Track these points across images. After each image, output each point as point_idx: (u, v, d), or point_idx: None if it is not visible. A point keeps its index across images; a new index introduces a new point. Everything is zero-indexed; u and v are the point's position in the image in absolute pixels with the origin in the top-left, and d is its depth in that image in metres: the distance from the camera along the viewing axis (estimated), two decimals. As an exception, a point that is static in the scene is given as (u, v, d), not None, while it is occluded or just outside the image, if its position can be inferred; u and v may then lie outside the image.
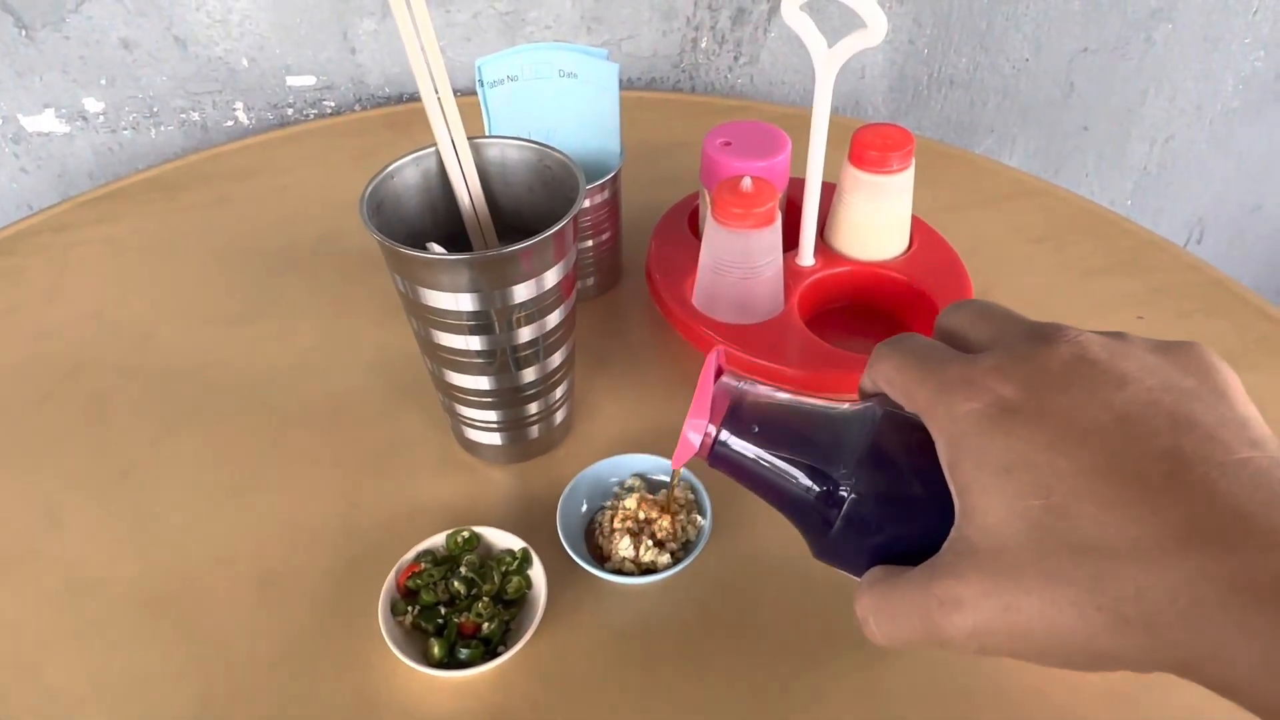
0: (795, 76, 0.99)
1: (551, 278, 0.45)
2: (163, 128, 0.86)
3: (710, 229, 0.55)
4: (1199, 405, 0.22)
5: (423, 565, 0.46)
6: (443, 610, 0.44)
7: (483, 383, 0.48)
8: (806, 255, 0.62)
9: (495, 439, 0.52)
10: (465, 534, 0.47)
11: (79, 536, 0.51)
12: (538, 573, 0.45)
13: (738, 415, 0.29)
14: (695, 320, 0.58)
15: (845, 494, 0.27)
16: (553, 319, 0.47)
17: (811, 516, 0.28)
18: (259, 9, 0.82)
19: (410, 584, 0.45)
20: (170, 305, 0.66)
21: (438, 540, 0.47)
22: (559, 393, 0.51)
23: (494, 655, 0.43)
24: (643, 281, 0.65)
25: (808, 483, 0.28)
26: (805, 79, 0.99)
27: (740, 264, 0.55)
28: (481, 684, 0.43)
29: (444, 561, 0.46)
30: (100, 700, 0.44)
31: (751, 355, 0.56)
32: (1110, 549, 0.21)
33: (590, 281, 0.65)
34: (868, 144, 0.58)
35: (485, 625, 0.44)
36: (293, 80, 0.87)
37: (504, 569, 0.46)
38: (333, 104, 0.90)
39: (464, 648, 0.43)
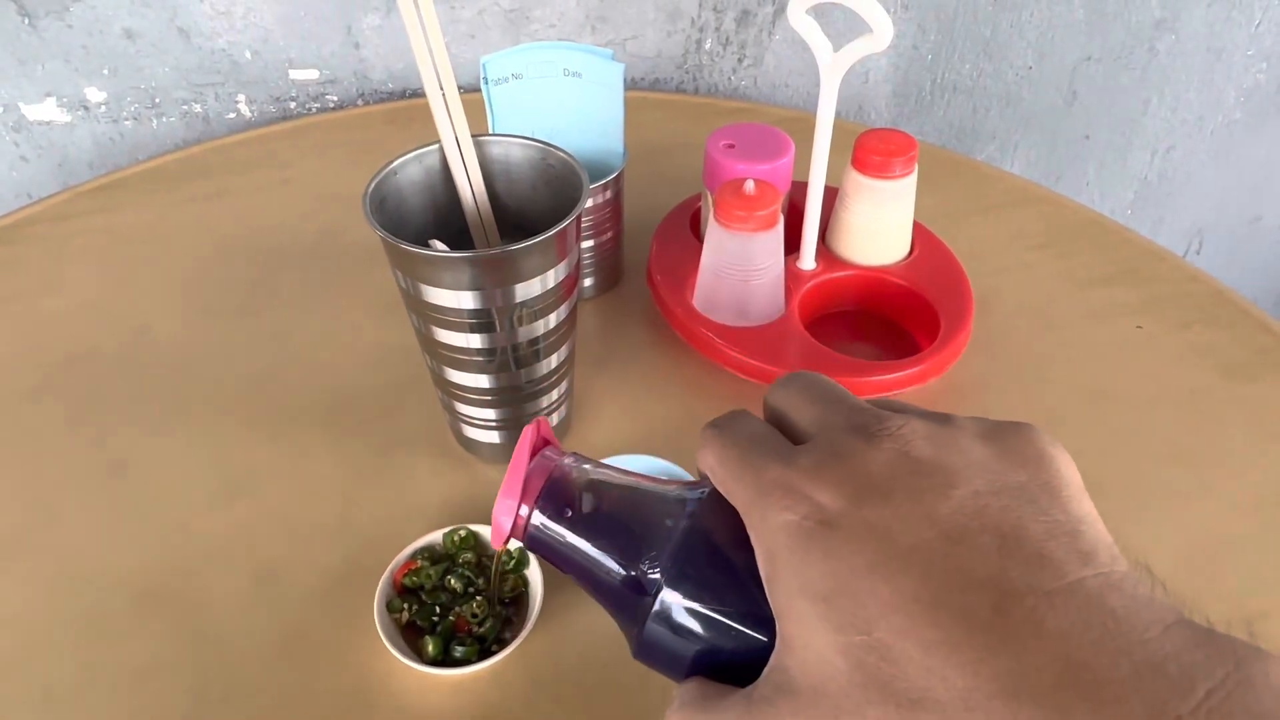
0: (799, 80, 0.99)
1: (553, 277, 0.44)
2: (164, 119, 0.86)
3: (712, 231, 0.55)
4: (1029, 510, 0.20)
5: (419, 563, 0.46)
6: (438, 608, 0.44)
7: (482, 381, 0.48)
8: (808, 259, 0.62)
9: (494, 437, 0.51)
10: (463, 532, 0.47)
11: (74, 529, 0.51)
12: (534, 572, 0.45)
13: (552, 496, 0.26)
14: (695, 322, 0.58)
15: (654, 587, 0.24)
16: (553, 318, 0.47)
17: (625, 613, 0.25)
18: (263, 2, 0.82)
19: (407, 581, 0.45)
20: (169, 297, 0.66)
21: (435, 538, 0.47)
22: (558, 392, 0.51)
23: (489, 654, 0.43)
24: (643, 282, 0.65)
25: (619, 574, 0.25)
26: (808, 82, 0.99)
27: (741, 266, 0.55)
28: (476, 682, 0.43)
29: (441, 559, 0.46)
30: (93, 694, 0.43)
31: (751, 358, 0.56)
32: (937, 702, 0.18)
33: (591, 281, 0.65)
34: (871, 149, 0.58)
35: (481, 624, 0.44)
36: (295, 74, 0.87)
37: (500, 568, 0.46)
38: (335, 98, 0.89)
39: (459, 646, 0.43)
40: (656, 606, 0.24)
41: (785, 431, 0.25)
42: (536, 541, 0.26)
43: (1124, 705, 0.17)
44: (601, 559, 0.25)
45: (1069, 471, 0.22)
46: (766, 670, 0.22)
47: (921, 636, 0.19)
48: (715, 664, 0.24)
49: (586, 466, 0.27)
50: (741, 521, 0.23)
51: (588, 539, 0.26)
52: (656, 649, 0.25)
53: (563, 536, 0.26)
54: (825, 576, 0.20)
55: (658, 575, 0.24)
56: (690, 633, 0.24)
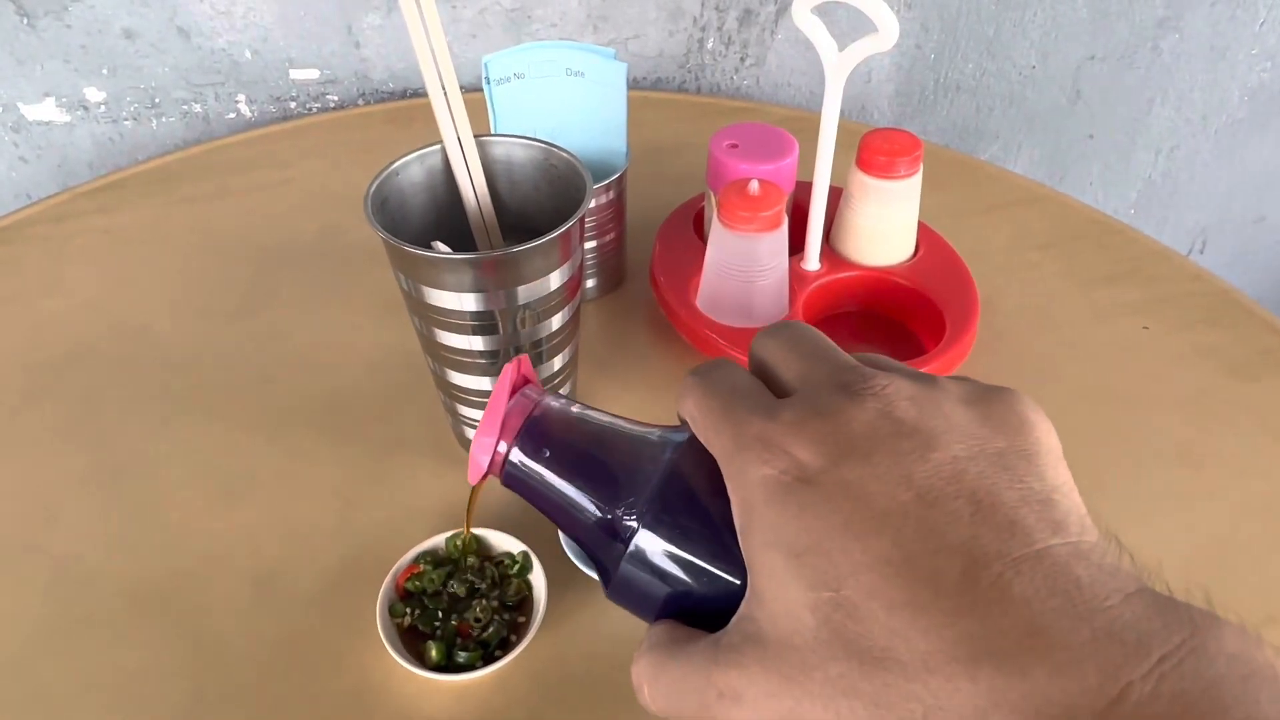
0: (801, 79, 0.98)
1: (556, 279, 0.44)
2: (164, 119, 0.86)
3: (716, 231, 0.55)
4: (1004, 477, 0.21)
5: (422, 567, 0.45)
6: (441, 613, 0.44)
7: (485, 383, 0.47)
8: (812, 259, 0.61)
9: (496, 440, 0.51)
10: (466, 536, 0.47)
11: (72, 531, 0.50)
12: (538, 576, 0.45)
13: (531, 433, 0.26)
14: (699, 323, 0.58)
15: (630, 530, 0.24)
16: (556, 320, 0.46)
17: (600, 552, 0.25)
18: (263, 1, 0.82)
19: (409, 585, 0.45)
20: (168, 298, 0.66)
21: (437, 542, 0.47)
22: (561, 394, 0.51)
23: (492, 659, 0.42)
24: (646, 283, 0.64)
25: (596, 514, 0.25)
26: (811, 81, 0.98)
27: (745, 267, 0.55)
28: (479, 688, 0.43)
29: (444, 563, 0.46)
30: (92, 697, 0.43)
31: (755, 359, 0.56)
32: (898, 662, 0.19)
33: (593, 283, 0.64)
34: (876, 149, 0.58)
35: (484, 629, 0.43)
36: (296, 73, 0.87)
37: (504, 572, 0.45)
38: (336, 98, 0.89)
39: (462, 651, 0.42)
40: (632, 548, 0.24)
41: (769, 383, 0.25)
42: (513, 479, 0.26)
43: (1079, 669, 0.17)
44: (579, 499, 0.25)
45: (1049, 439, 0.22)
46: (735, 619, 0.22)
47: (889, 597, 0.19)
48: (686, 608, 0.24)
49: (566, 406, 0.27)
50: (719, 469, 0.23)
51: (565, 478, 0.26)
52: (629, 590, 0.25)
53: (540, 475, 0.26)
54: (799, 533, 0.21)
55: (634, 519, 0.24)
56: (663, 576, 0.24)
